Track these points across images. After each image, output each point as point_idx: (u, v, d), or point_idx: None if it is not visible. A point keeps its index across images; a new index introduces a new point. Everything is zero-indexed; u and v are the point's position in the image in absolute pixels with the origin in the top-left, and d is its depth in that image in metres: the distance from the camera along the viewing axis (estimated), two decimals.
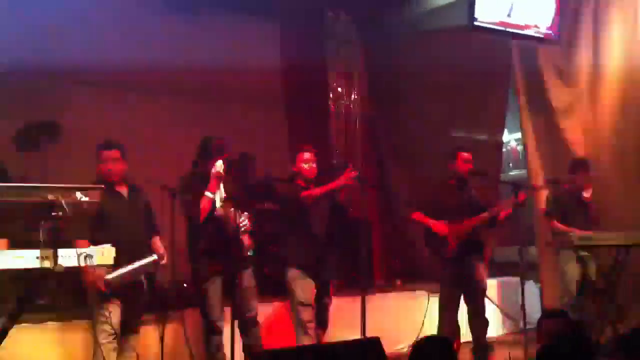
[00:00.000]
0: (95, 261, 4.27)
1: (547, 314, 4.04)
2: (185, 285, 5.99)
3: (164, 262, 4.98)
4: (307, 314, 5.22)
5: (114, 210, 4.84)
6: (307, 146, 5.58)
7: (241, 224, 5.13)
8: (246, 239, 5.21)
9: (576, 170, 6.65)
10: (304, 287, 5.28)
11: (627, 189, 6.98)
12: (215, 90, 7.65)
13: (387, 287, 7.42)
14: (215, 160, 5.05)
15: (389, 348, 5.75)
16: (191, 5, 7.38)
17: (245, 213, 5.15)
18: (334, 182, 5.29)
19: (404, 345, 6.62)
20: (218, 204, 5.10)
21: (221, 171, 5.03)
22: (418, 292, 7.02)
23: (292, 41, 8.38)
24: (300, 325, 5.23)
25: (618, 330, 5.96)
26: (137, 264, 4.70)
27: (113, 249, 4.34)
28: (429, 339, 3.52)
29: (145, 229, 5.04)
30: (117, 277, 4.58)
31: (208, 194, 5.03)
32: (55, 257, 4.00)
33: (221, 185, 5.14)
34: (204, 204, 5.02)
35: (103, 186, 4.74)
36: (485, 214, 5.79)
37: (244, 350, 5.11)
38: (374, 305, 5.99)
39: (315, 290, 5.32)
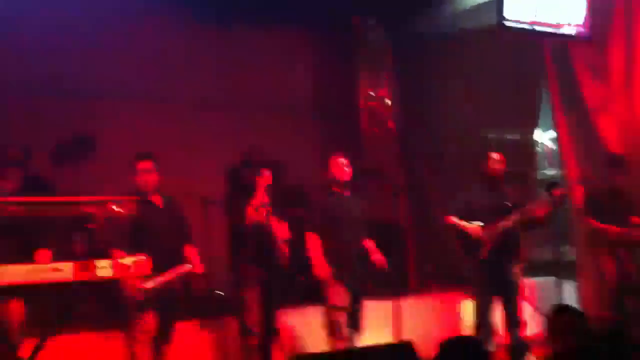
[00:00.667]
0: (131, 271, 4.38)
1: (557, 308, 3.99)
2: (221, 293, 6.06)
3: (200, 271, 5.05)
4: (340, 318, 5.27)
5: (148, 221, 4.94)
6: (339, 151, 5.64)
7: (280, 232, 5.19)
8: (284, 248, 5.27)
9: (612, 167, 6.57)
10: (337, 291, 5.33)
11: None
12: (246, 99, 7.71)
13: (422, 290, 7.39)
14: (262, 170, 5.15)
15: (423, 352, 5.78)
16: (220, 17, 7.46)
17: (285, 222, 5.22)
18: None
19: None
20: (260, 212, 5.18)
21: (269, 182, 5.14)
22: (453, 296, 6.98)
23: (322, 47, 8.42)
24: (333, 328, 5.29)
25: None
26: (173, 274, 4.81)
27: (149, 259, 4.44)
28: (455, 339, 3.49)
29: (179, 238, 5.12)
30: (153, 286, 4.68)
31: (255, 202, 5.12)
32: (92, 268, 4.09)
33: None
34: (250, 213, 5.10)
35: (137, 197, 4.85)
36: (517, 214, 5.75)
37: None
38: (408, 309, 5.99)
39: (348, 295, 5.35)
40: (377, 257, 5.54)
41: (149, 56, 7.10)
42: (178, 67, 7.26)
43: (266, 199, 5.22)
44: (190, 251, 5.15)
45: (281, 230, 5.29)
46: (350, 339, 5.38)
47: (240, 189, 5.35)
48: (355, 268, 5.45)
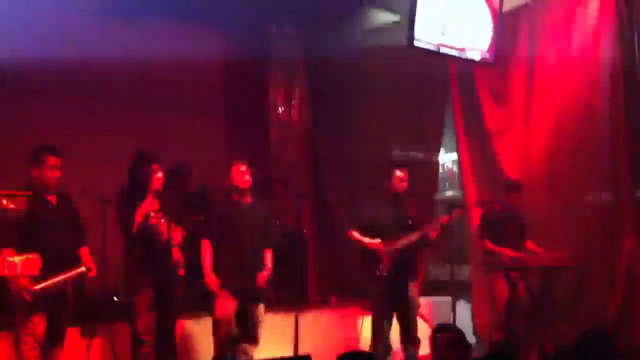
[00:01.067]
0: (19, 270, 4.14)
1: (439, 328, 4.10)
2: (115, 298, 5.84)
3: (92, 274, 4.84)
4: (223, 330, 5.25)
5: (42, 218, 4.71)
6: (240, 158, 5.56)
7: (173, 237, 5.04)
8: (176, 253, 5.12)
9: (509, 192, 6.79)
10: (221, 302, 5.29)
11: (559, 210, 7.15)
12: (153, 98, 7.50)
13: (321, 303, 7.39)
14: (154, 173, 4.99)
15: None
16: (132, 11, 7.22)
17: (179, 227, 5.07)
18: None
19: None
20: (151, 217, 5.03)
21: (159, 186, 4.99)
22: (352, 310, 7.02)
23: (233, 51, 8.31)
24: (217, 340, 5.26)
25: (544, 351, 6.09)
26: (64, 275, 4.62)
27: (39, 259, 4.22)
28: (351, 354, 3.53)
29: (72, 238, 4.90)
30: (43, 287, 4.47)
31: (144, 207, 4.96)
32: None
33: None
34: (138, 217, 4.94)
35: (29, 192, 4.61)
36: (417, 233, 5.84)
37: None
38: (307, 321, 5.98)
39: (235, 306, 5.30)
40: (263, 274, 5.43)
41: (55, 46, 6.75)
42: (85, 59, 6.95)
43: (156, 205, 5.07)
44: (84, 253, 4.93)
45: (174, 236, 5.13)
46: (246, 351, 5.32)
47: (133, 190, 5.17)
48: (248, 278, 5.35)
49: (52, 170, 4.75)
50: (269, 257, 5.51)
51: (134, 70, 7.20)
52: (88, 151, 6.77)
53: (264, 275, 5.41)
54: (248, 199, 5.52)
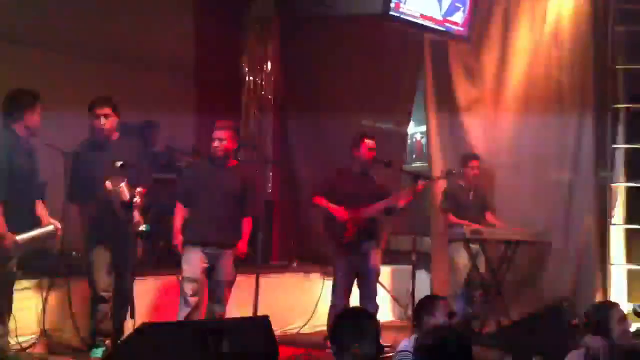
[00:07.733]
0: None
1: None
2: (74, 253, 5.81)
3: (59, 232, 4.81)
4: (189, 288, 5.25)
5: (20, 164, 4.67)
6: (222, 123, 5.52)
7: (131, 199, 4.96)
8: (136, 215, 5.04)
9: (467, 162, 6.88)
10: (191, 262, 5.30)
11: (521, 187, 7.26)
12: (122, 53, 7.38)
13: (283, 267, 7.44)
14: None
15: (279, 328, 5.82)
16: None
17: (138, 189, 4.97)
18: None
19: (295, 326, 6.69)
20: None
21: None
22: (313, 275, 7.09)
23: (207, 9, 8.21)
24: (182, 298, 5.27)
25: (500, 322, 6.21)
26: (41, 230, 4.64)
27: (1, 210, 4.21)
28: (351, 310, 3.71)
29: (34, 193, 4.85)
30: (25, 239, 4.50)
31: None
32: None
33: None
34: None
35: None
36: (383, 202, 5.87)
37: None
38: (268, 284, 6.02)
39: (205, 266, 5.31)
40: (240, 245, 5.46)
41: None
42: (53, 13, 6.83)
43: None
44: (40, 209, 4.85)
45: (134, 198, 5.05)
46: (210, 311, 5.35)
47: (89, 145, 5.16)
48: (220, 234, 5.35)
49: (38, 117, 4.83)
50: (246, 225, 5.50)
51: (102, 25, 7.10)
52: (52, 106, 6.65)
53: (241, 245, 5.43)
54: (227, 164, 5.50)
